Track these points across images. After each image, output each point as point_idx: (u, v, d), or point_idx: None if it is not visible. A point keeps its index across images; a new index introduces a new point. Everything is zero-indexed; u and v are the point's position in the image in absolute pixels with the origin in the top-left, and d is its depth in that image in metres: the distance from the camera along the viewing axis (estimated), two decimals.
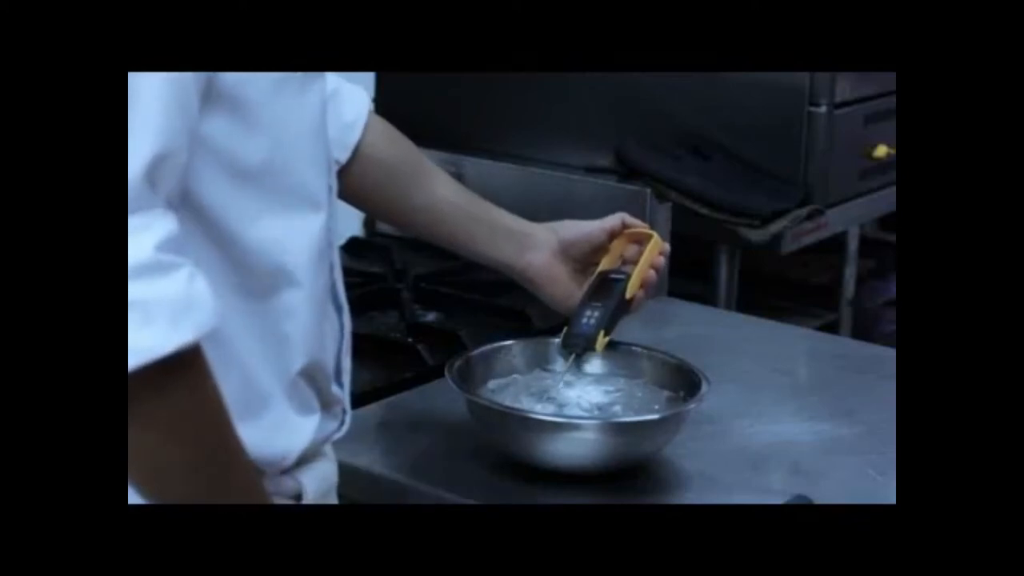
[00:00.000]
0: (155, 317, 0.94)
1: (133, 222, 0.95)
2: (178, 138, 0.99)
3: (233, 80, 1.06)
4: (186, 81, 1.00)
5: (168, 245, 0.96)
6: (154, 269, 0.95)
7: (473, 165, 2.21)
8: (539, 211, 2.18)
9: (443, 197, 1.54)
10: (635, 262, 1.53)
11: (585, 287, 1.53)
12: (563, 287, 1.53)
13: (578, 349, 1.51)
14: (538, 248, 1.53)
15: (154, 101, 0.98)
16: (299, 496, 1.20)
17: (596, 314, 1.50)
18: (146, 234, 0.95)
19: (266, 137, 1.10)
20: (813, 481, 1.46)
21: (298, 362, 1.16)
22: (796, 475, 1.47)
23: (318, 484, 1.23)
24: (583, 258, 1.55)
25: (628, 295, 1.50)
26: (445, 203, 1.54)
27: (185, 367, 0.97)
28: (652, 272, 1.52)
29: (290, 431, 1.18)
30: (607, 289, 1.52)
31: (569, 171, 2.21)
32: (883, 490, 1.41)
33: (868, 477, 1.46)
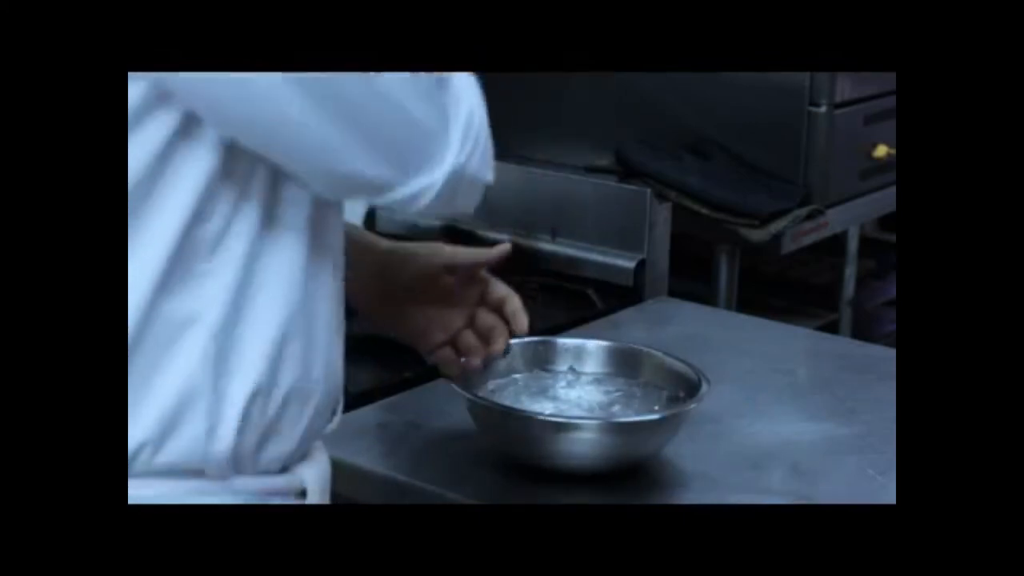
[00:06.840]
0: None
1: None
2: None
3: None
4: None
5: None
6: None
7: None
8: (539, 211, 2.20)
9: None
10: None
11: None
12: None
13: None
14: None
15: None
16: (303, 492, 1.20)
17: None
18: None
19: None
20: (813, 481, 1.46)
21: None
22: (796, 475, 1.47)
23: (318, 478, 1.22)
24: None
25: None
26: None
27: None
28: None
29: None
30: None
31: (569, 171, 2.21)
32: (883, 490, 1.41)
33: (868, 477, 1.46)
